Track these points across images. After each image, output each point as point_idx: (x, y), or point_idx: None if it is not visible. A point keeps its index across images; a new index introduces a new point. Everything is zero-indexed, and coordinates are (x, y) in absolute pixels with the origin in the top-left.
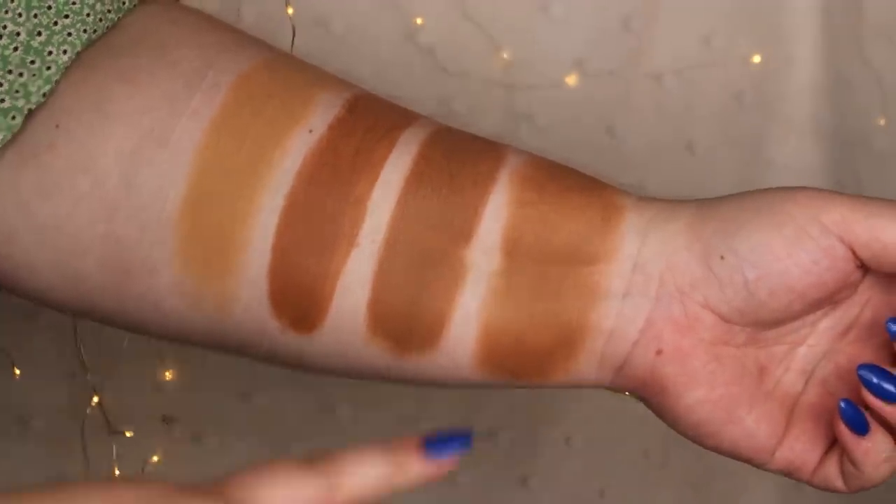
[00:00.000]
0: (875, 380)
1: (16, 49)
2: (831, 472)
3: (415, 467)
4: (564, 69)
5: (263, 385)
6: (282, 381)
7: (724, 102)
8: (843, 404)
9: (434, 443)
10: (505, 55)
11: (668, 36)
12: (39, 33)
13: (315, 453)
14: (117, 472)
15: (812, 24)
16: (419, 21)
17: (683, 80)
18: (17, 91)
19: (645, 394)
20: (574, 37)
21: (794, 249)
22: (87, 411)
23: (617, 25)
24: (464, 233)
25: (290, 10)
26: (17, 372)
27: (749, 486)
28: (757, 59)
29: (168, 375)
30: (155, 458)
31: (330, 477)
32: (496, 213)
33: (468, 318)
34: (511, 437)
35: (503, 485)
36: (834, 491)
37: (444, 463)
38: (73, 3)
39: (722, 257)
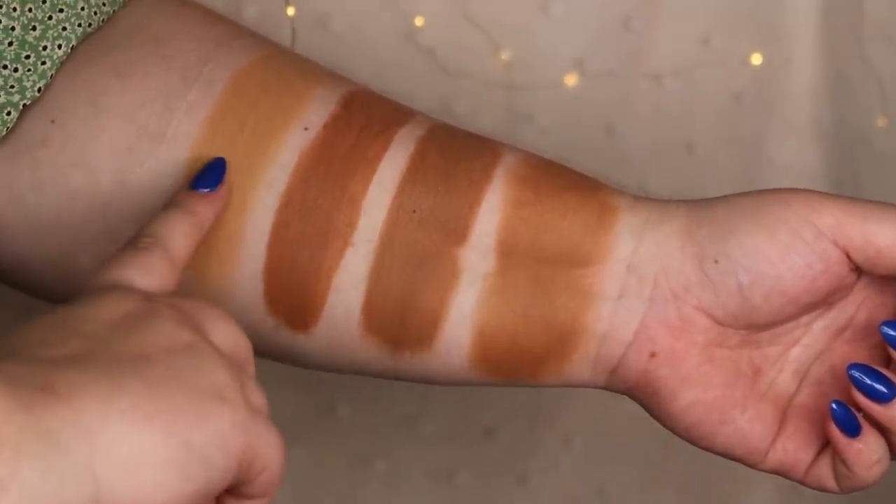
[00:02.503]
0: (866, 380)
1: (10, 44)
2: (824, 472)
3: (202, 207)
4: (564, 69)
5: (263, 385)
6: (282, 381)
7: (724, 102)
8: (834, 405)
9: (198, 181)
10: (505, 55)
11: (668, 36)
12: (34, 28)
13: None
14: None
15: (812, 24)
16: (419, 21)
17: (683, 80)
18: (11, 86)
19: (639, 395)
20: (574, 37)
21: (787, 254)
22: None
23: (617, 25)
24: (458, 233)
25: (290, 10)
26: None
27: (749, 486)
28: (757, 59)
29: None
30: None
31: (160, 247)
32: (491, 212)
33: (462, 319)
34: (510, 436)
35: (502, 484)
36: (827, 491)
37: (216, 193)
38: None
39: (716, 261)
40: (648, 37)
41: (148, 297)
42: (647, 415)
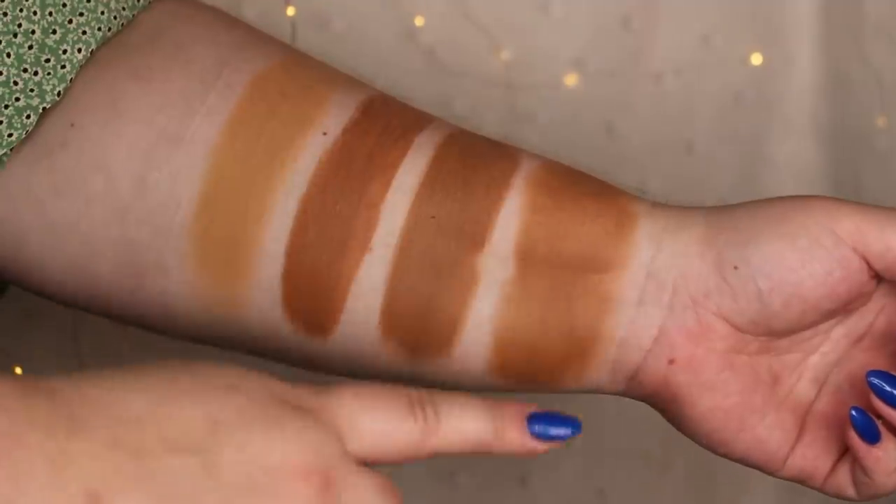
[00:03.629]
0: (885, 387)
1: (31, 47)
2: (843, 479)
3: (514, 439)
4: (564, 69)
5: None
6: None
7: (724, 102)
8: (854, 412)
9: (541, 421)
10: (505, 55)
11: (668, 36)
12: (54, 31)
13: (421, 391)
14: None
15: (812, 24)
16: (419, 21)
17: (683, 80)
18: (31, 90)
19: (658, 402)
20: (574, 37)
21: (807, 260)
22: None
23: (617, 25)
24: (477, 239)
25: (290, 10)
26: (18, 371)
27: (749, 486)
28: (757, 59)
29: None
30: None
31: (429, 422)
32: (510, 218)
33: (481, 325)
34: None
35: (502, 484)
36: (846, 499)
37: (544, 444)
38: (88, 1)
39: (735, 267)
40: (648, 36)
41: (348, 465)
42: (647, 416)
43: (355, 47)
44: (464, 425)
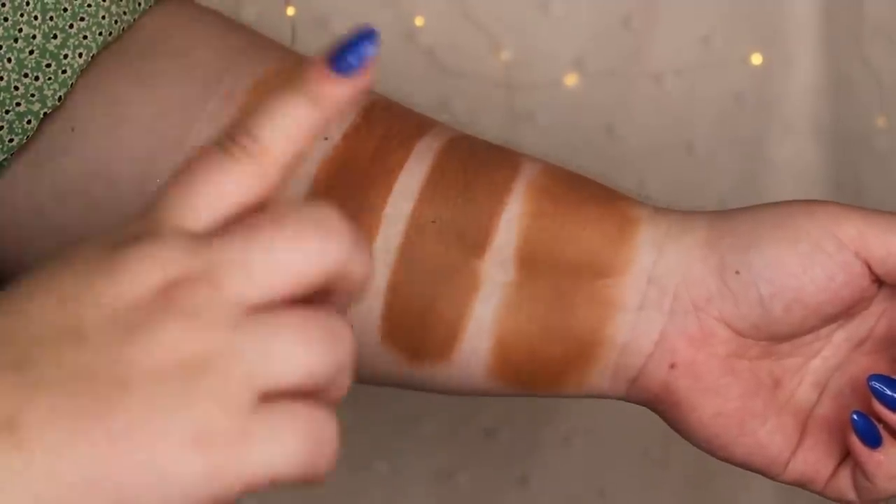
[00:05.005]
0: (887, 391)
1: (31, 52)
2: (844, 484)
3: (335, 92)
4: (564, 69)
5: None
6: None
7: (724, 102)
8: (855, 416)
9: (337, 54)
10: (505, 55)
11: (668, 36)
12: (55, 36)
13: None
14: None
15: (812, 24)
16: (419, 21)
17: (683, 80)
18: (32, 95)
19: (659, 406)
20: (574, 36)
21: (809, 265)
22: None
23: (617, 25)
24: (478, 244)
25: (290, 10)
26: None
27: (749, 486)
28: (757, 59)
29: None
30: None
31: (252, 154)
32: (511, 224)
33: (481, 330)
34: (510, 436)
35: (502, 484)
36: (847, 503)
37: (359, 74)
38: (89, 6)
39: (737, 272)
40: (648, 36)
41: (198, 249)
42: (647, 415)
43: None
44: (284, 123)
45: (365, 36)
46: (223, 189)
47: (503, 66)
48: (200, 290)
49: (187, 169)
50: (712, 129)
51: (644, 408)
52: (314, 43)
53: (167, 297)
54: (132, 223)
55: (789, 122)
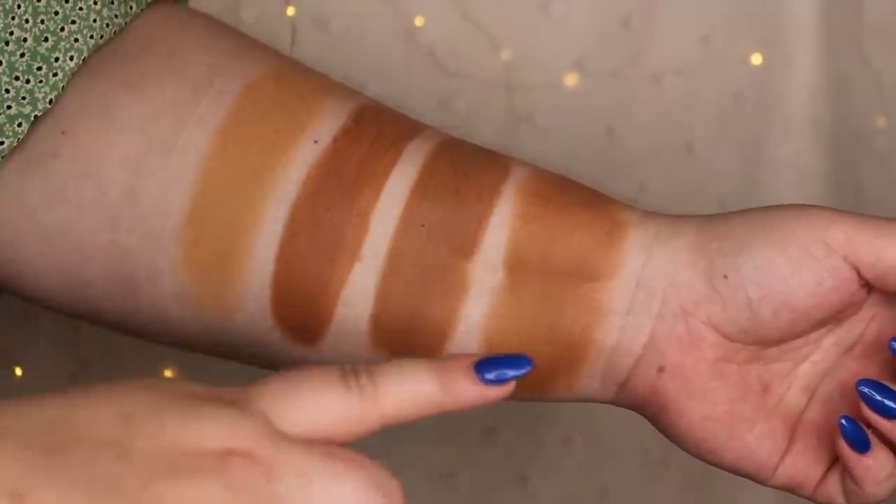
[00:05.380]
0: (876, 396)
1: (22, 55)
2: (833, 488)
3: (466, 390)
4: (564, 69)
5: None
6: None
7: (724, 102)
8: (843, 421)
9: (491, 365)
10: (505, 55)
11: (668, 36)
12: (46, 39)
13: (358, 363)
14: None
15: (812, 24)
16: (419, 21)
17: (683, 81)
18: (23, 98)
19: (647, 410)
20: (574, 37)
21: (797, 269)
22: None
23: (617, 25)
24: (467, 247)
25: (290, 11)
26: (18, 372)
27: (749, 485)
28: (757, 59)
29: (168, 375)
30: None
31: (365, 389)
32: (500, 227)
33: (470, 332)
34: (510, 437)
35: (502, 484)
36: None
37: (499, 389)
38: (80, 9)
39: (725, 276)
40: (648, 37)
41: (276, 442)
42: None
43: (355, 48)
44: (406, 388)
45: (517, 361)
46: (326, 412)
47: (503, 66)
48: (254, 473)
49: (306, 374)
50: (712, 130)
51: None
52: (314, 43)
53: (222, 461)
54: (232, 391)
55: (789, 122)
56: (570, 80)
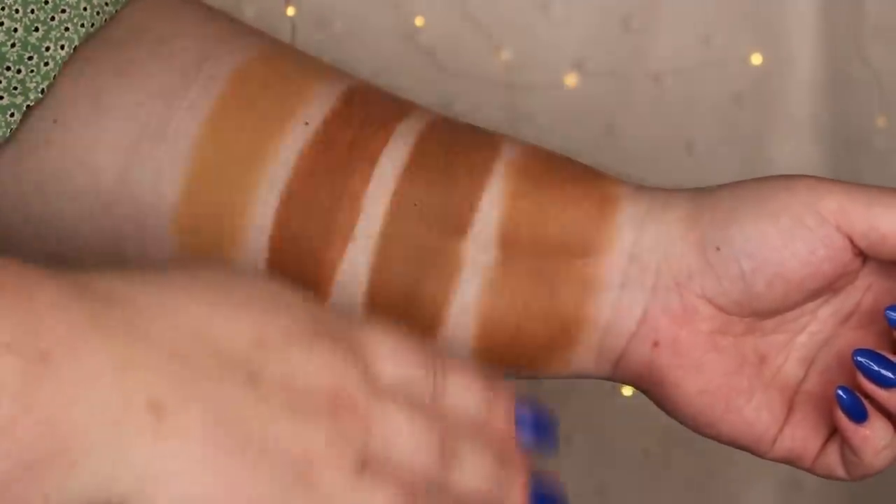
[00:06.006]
0: (872, 366)
1: (13, 45)
2: (832, 459)
3: (501, 422)
4: (564, 69)
5: None
6: None
7: (724, 102)
8: (840, 392)
9: (529, 424)
10: (505, 55)
11: (668, 36)
12: (37, 29)
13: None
14: None
15: (812, 24)
16: (419, 21)
17: (683, 80)
18: (15, 88)
19: (644, 385)
20: (574, 37)
21: (790, 240)
22: None
23: (617, 25)
24: (459, 225)
25: (290, 10)
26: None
27: (749, 485)
28: (757, 59)
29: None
30: None
31: (437, 379)
32: (491, 204)
33: (465, 311)
34: None
35: None
36: (836, 479)
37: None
38: None
39: (718, 248)
40: (648, 36)
41: (376, 394)
42: (647, 414)
43: (355, 47)
44: (460, 399)
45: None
46: (406, 380)
47: (503, 66)
48: (355, 426)
49: (403, 334)
50: (712, 129)
51: (643, 407)
52: (314, 43)
53: (332, 406)
54: (341, 323)
55: (789, 121)
56: (570, 79)
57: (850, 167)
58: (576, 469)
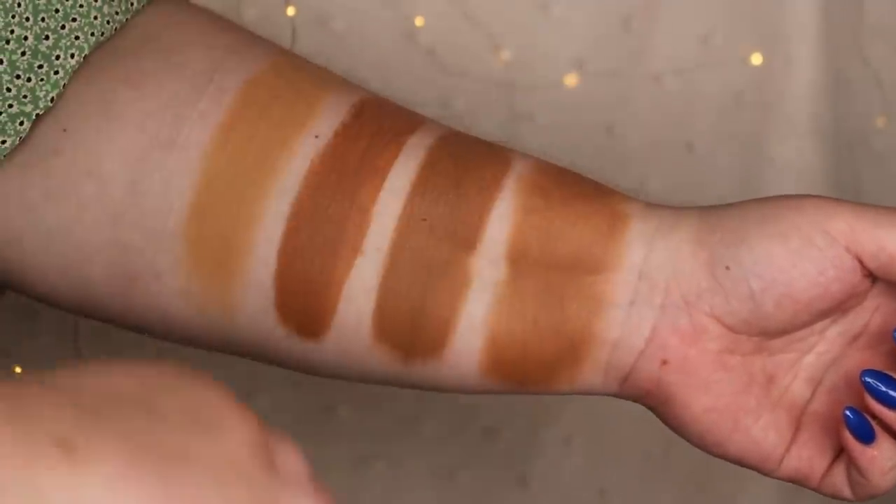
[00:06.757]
0: (880, 387)
1: (23, 54)
2: (839, 480)
3: None
4: (564, 69)
5: (264, 385)
6: (282, 382)
7: (724, 102)
8: (848, 412)
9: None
10: (505, 55)
11: (668, 36)
12: (47, 37)
13: None
14: None
15: (812, 24)
16: (419, 21)
17: (683, 80)
18: (24, 96)
19: (651, 403)
20: (574, 37)
21: (799, 260)
22: None
23: (617, 25)
24: (469, 240)
25: (291, 10)
26: (18, 370)
27: (749, 485)
28: (757, 59)
29: None
30: None
31: None
32: (501, 220)
33: (473, 327)
34: (510, 437)
35: (502, 484)
36: (842, 499)
37: None
38: (81, 6)
39: (727, 267)
40: (648, 37)
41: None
42: (646, 415)
43: (355, 47)
44: None
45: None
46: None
47: (503, 66)
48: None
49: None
50: (712, 129)
51: (644, 408)
52: (314, 43)
53: (242, 411)
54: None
55: (789, 121)
56: (570, 79)
57: (850, 167)
58: (576, 470)
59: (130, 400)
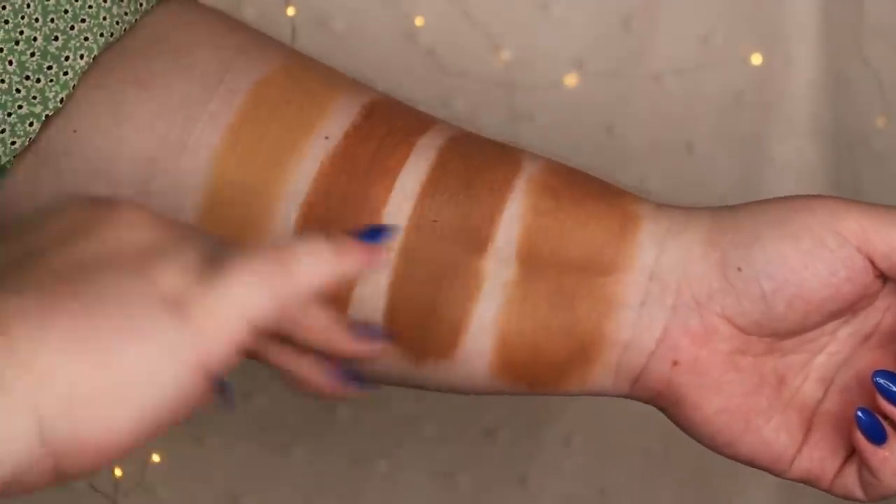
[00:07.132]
0: (892, 387)
1: (33, 54)
2: (850, 480)
3: (355, 254)
4: (564, 69)
5: (264, 385)
6: (282, 382)
7: (724, 102)
8: (859, 413)
9: (365, 234)
10: (505, 55)
11: (668, 36)
12: (56, 38)
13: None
14: (118, 472)
15: (812, 24)
16: (419, 21)
17: (683, 80)
18: (34, 97)
19: (662, 404)
20: (574, 37)
21: (811, 261)
22: None
23: (617, 25)
24: (480, 242)
25: (291, 10)
26: None
27: (749, 485)
28: (757, 59)
29: None
30: (156, 459)
31: (288, 266)
32: (512, 221)
33: (484, 328)
34: (510, 436)
35: (502, 484)
36: (854, 500)
37: (378, 249)
38: (90, 7)
39: (739, 268)
40: (648, 37)
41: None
42: (647, 415)
43: (355, 47)
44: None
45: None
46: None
47: (503, 66)
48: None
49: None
50: (712, 129)
51: (644, 407)
52: (314, 43)
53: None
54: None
55: (789, 121)
56: (570, 79)
57: (850, 167)
58: (577, 470)
59: (23, 257)
